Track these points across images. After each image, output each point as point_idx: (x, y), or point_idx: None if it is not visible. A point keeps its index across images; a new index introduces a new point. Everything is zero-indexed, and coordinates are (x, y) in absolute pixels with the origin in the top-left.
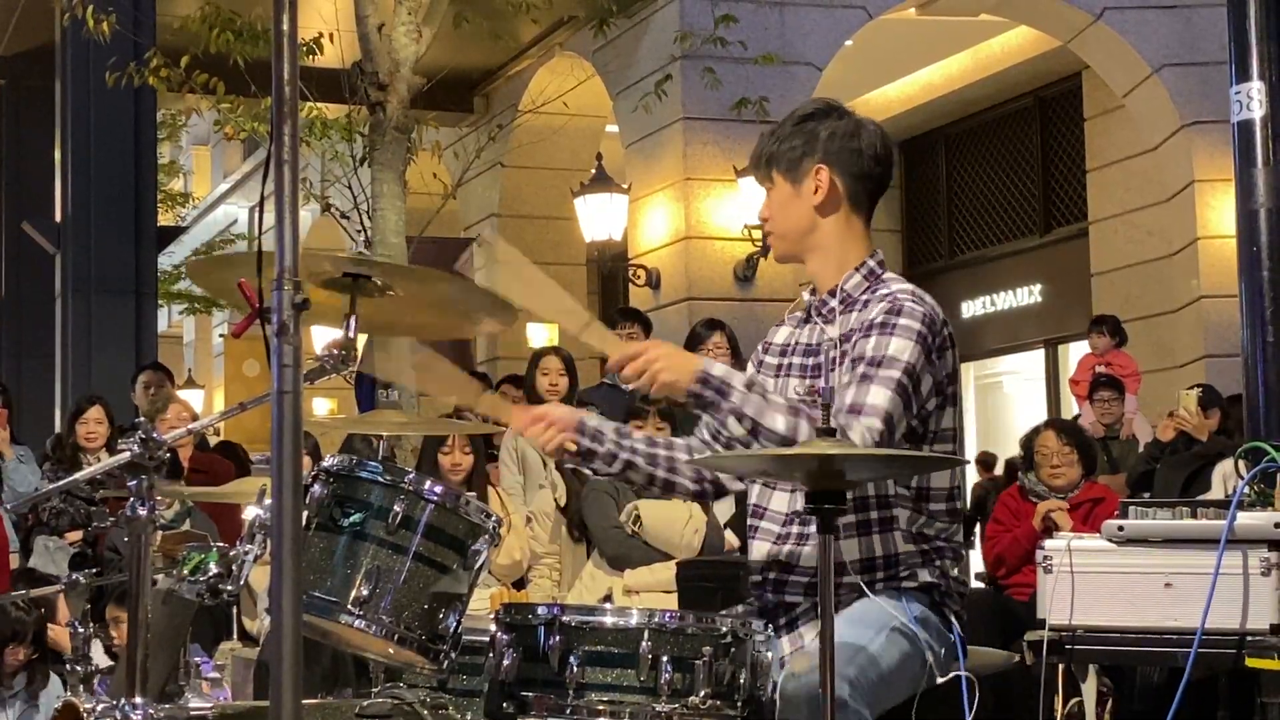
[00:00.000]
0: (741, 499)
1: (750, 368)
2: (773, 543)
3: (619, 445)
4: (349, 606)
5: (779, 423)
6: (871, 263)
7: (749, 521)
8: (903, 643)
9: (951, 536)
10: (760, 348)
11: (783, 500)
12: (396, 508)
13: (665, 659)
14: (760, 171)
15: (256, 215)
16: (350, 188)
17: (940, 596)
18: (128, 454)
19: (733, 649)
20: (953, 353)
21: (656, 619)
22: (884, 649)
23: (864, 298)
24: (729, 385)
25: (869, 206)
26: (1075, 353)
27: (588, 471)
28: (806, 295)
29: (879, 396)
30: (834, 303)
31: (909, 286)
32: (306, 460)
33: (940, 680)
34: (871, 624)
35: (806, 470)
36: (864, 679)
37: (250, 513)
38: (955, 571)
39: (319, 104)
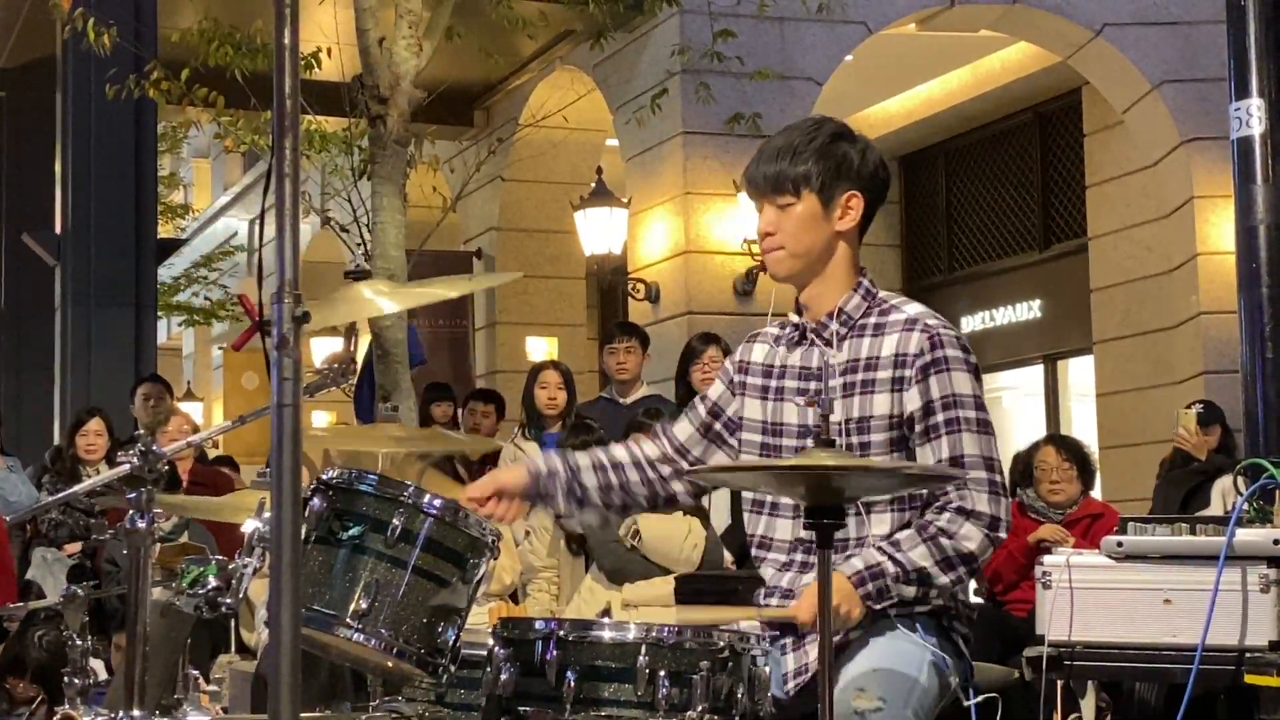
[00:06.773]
0: (736, 510)
1: (719, 387)
2: (777, 569)
3: (573, 473)
4: (348, 620)
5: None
6: (865, 282)
7: (753, 553)
8: (937, 675)
9: None
10: (732, 365)
11: (786, 528)
12: (395, 521)
13: (663, 673)
14: (781, 188)
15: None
16: (350, 201)
17: (949, 620)
18: (127, 466)
19: (730, 663)
20: None
21: (654, 633)
22: (929, 683)
23: (869, 320)
24: (881, 571)
25: (866, 231)
26: (1074, 368)
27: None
28: (794, 317)
29: (971, 445)
30: (835, 325)
31: (922, 308)
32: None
33: (966, 704)
34: (914, 659)
35: (805, 485)
36: (922, 712)
37: (249, 526)
38: (963, 596)
39: (319, 117)
